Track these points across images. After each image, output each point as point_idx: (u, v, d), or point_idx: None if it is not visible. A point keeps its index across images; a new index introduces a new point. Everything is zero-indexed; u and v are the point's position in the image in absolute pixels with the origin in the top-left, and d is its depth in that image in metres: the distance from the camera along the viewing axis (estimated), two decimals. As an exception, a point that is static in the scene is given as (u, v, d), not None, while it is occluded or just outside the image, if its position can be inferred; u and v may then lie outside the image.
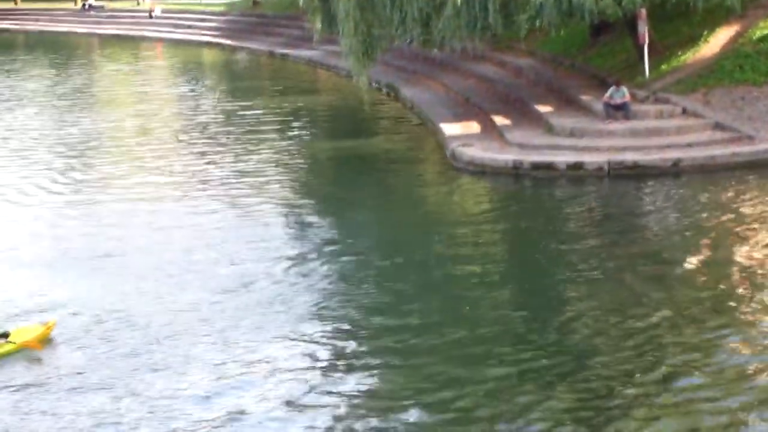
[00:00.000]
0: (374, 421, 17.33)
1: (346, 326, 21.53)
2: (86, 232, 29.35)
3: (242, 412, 17.73)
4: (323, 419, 17.45)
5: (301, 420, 17.44)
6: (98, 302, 23.19)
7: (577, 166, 32.98)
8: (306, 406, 17.89)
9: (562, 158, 33.45)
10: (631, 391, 17.74)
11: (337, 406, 17.92)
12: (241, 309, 22.40)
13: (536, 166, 33.47)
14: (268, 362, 19.71)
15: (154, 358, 20.15)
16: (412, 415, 17.43)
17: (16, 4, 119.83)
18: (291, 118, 46.12)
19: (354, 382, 18.92)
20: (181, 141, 42.56)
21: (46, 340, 21.12)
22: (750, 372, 18.20)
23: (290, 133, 42.77)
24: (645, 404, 17.26)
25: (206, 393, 18.56)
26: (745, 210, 28.11)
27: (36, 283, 24.96)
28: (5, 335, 20.88)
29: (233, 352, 20.19)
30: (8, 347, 20.71)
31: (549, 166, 33.31)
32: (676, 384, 17.94)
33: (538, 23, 36.07)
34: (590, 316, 21.32)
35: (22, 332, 21.10)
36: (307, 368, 19.44)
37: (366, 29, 38.58)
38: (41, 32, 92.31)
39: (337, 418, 17.48)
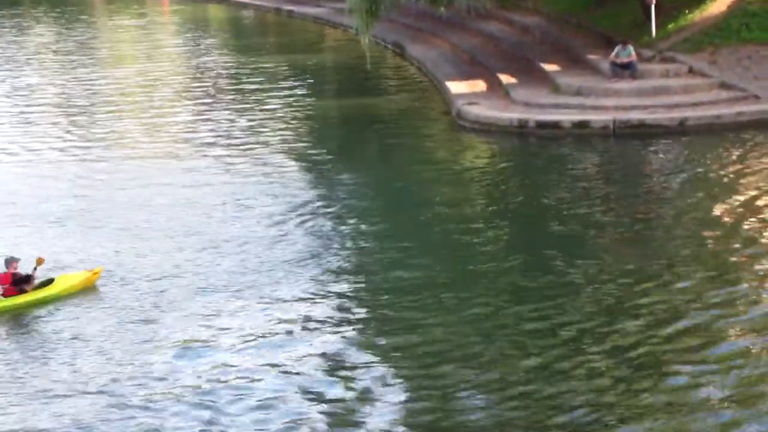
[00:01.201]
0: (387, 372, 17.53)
1: (350, 282, 21.72)
2: (95, 189, 29.50)
3: (270, 364, 18.12)
4: (344, 371, 17.70)
5: (313, 369, 17.66)
6: (124, 257, 23.51)
7: (583, 125, 32.98)
8: (317, 351, 18.17)
9: (568, 117, 33.44)
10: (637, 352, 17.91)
11: (357, 356, 18.22)
12: (249, 266, 22.57)
13: (542, 125, 33.46)
14: (288, 316, 20.03)
15: (184, 310, 20.50)
16: (428, 366, 17.60)
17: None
18: (296, 76, 46.08)
19: (359, 336, 19.12)
20: (189, 97, 42.58)
21: (92, 286, 21.83)
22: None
23: (296, 91, 42.74)
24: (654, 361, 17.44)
25: (234, 343, 18.97)
26: (751, 168, 28.13)
27: (53, 237, 25.34)
28: (50, 281, 21.68)
29: (252, 306, 20.51)
30: (52, 290, 21.46)
31: (555, 125, 33.31)
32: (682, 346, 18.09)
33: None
34: (592, 272, 21.42)
35: (68, 278, 21.86)
36: (314, 321, 19.64)
37: (372, -14, 38.41)
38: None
39: (360, 368, 17.70)
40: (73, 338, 19.60)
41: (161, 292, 21.41)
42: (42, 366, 18.52)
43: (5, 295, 21.49)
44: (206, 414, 16.49)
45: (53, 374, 18.15)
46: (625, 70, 35.62)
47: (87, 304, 21.15)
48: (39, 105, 42.14)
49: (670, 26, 38.17)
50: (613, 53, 35.93)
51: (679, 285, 20.46)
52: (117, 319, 20.31)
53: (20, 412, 16.93)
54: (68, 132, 36.95)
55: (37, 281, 21.71)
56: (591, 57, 38.50)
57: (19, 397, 17.44)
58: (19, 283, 21.48)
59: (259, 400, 16.83)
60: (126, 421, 16.39)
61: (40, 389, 17.63)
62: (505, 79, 38.41)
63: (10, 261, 21.68)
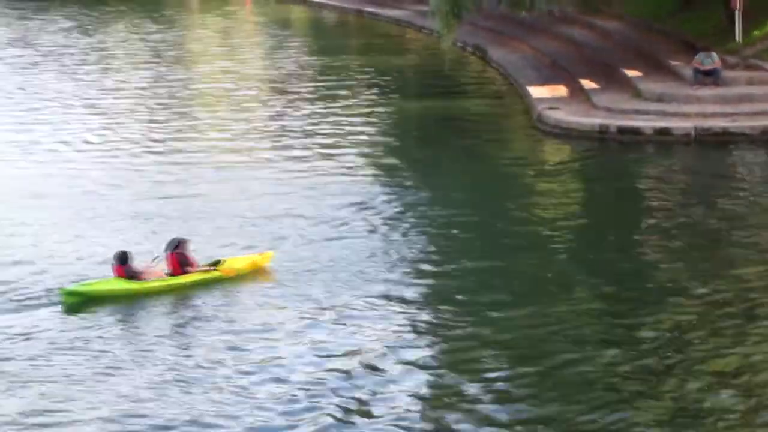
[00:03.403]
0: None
1: (426, 285, 21.91)
2: (186, 186, 29.75)
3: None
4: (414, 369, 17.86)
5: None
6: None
7: (664, 132, 32.80)
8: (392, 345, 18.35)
9: (649, 123, 33.27)
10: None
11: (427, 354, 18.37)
12: (334, 263, 22.88)
13: (623, 131, 33.32)
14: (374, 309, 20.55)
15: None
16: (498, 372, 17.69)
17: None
18: (377, 77, 46.19)
19: (437, 339, 19.25)
20: (268, 97, 42.91)
21: (262, 271, 22.57)
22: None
23: (376, 92, 42.86)
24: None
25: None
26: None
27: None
28: (217, 263, 22.40)
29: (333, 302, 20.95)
30: (218, 273, 22.20)
31: (636, 131, 33.16)
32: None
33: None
34: (675, 280, 21.34)
35: (236, 261, 22.59)
36: (392, 318, 19.84)
37: (454, -11, 38.44)
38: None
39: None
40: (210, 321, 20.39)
41: (319, 282, 21.89)
42: (172, 347, 19.22)
43: (172, 274, 22.17)
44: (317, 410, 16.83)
45: (175, 358, 18.75)
46: (708, 77, 35.31)
47: (251, 289, 21.90)
48: (121, 102, 42.59)
49: (755, 33, 37.78)
50: (697, 60, 35.63)
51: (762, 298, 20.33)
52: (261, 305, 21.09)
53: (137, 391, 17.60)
54: (150, 129, 37.30)
55: (203, 263, 22.39)
56: (674, 63, 38.23)
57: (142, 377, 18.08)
58: (184, 264, 22.09)
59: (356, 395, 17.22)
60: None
61: (159, 369, 18.31)
62: (587, 83, 38.28)
63: (179, 242, 22.35)
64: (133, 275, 21.83)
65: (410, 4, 62.80)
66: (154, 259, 22.32)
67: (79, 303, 21.15)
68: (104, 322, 20.47)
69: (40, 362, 18.59)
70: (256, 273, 22.51)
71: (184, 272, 22.12)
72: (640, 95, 35.91)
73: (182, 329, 20.11)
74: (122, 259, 21.89)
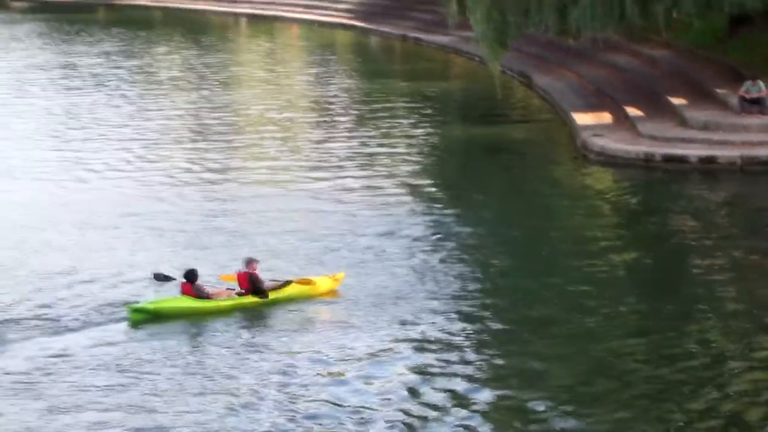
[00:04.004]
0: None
1: (471, 311, 21.84)
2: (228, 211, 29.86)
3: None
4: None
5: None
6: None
7: (710, 160, 32.63)
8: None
9: (695, 151, 33.10)
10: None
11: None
12: (391, 285, 23.09)
13: (668, 159, 33.17)
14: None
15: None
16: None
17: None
18: (422, 103, 46.21)
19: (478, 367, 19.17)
20: (312, 121, 43.04)
21: (332, 292, 22.70)
22: None
23: (420, 118, 42.85)
24: None
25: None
26: None
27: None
28: (288, 283, 22.46)
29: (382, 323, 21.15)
30: (288, 292, 22.32)
31: (681, 159, 33.01)
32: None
33: (675, 13, 35.74)
34: (719, 307, 21.23)
35: (308, 281, 22.65)
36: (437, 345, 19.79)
37: (500, 16, 38.43)
38: (178, 10, 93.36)
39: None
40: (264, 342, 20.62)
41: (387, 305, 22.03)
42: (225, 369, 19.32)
43: (243, 293, 22.25)
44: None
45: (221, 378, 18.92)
46: (754, 105, 35.13)
47: (317, 310, 22.16)
48: (169, 124, 42.77)
49: (802, 62, 37.55)
50: (743, 88, 35.47)
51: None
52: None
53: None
54: (200, 151, 37.47)
55: (273, 283, 22.48)
56: (720, 91, 37.99)
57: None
58: (255, 285, 22.11)
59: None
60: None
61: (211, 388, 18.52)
62: (632, 111, 38.12)
63: (249, 261, 22.43)
64: (201, 294, 21.87)
65: (455, 30, 62.74)
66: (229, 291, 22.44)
67: (144, 320, 21.26)
68: (164, 339, 20.61)
69: (95, 379, 18.81)
70: (325, 294, 22.61)
71: (254, 293, 22.15)
72: (686, 123, 35.74)
73: (239, 349, 20.14)
74: (190, 276, 21.94)
